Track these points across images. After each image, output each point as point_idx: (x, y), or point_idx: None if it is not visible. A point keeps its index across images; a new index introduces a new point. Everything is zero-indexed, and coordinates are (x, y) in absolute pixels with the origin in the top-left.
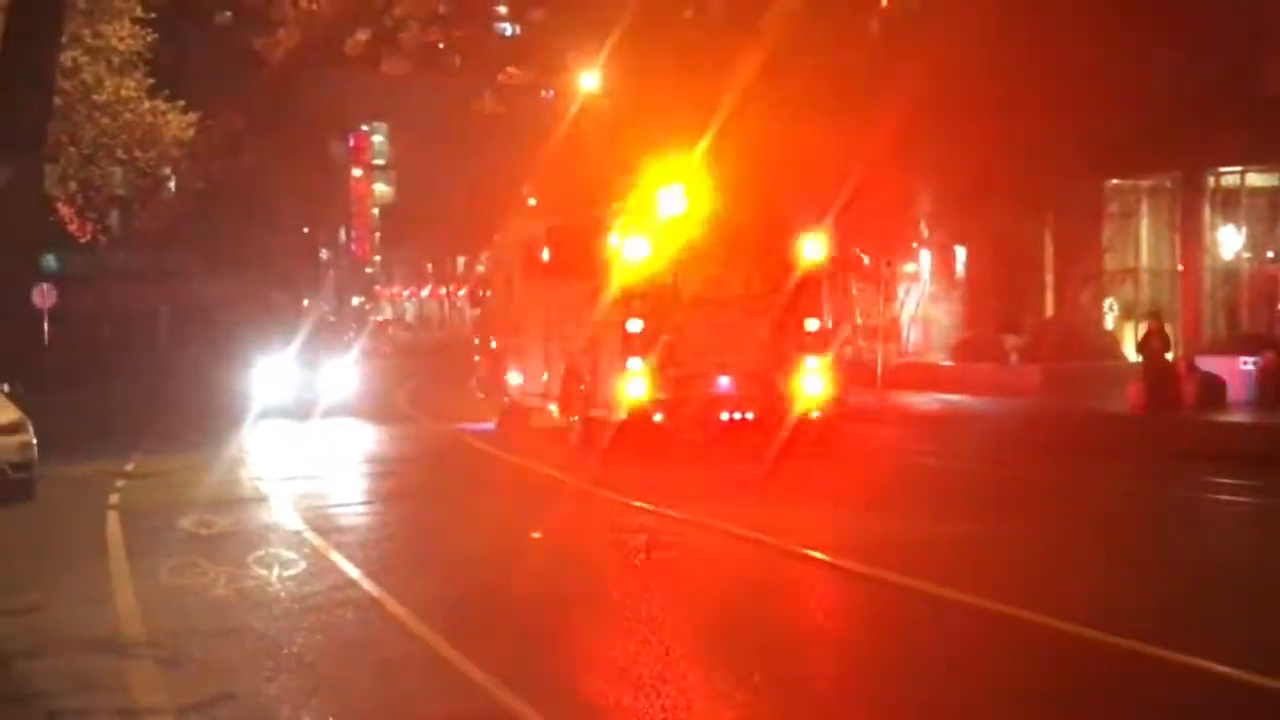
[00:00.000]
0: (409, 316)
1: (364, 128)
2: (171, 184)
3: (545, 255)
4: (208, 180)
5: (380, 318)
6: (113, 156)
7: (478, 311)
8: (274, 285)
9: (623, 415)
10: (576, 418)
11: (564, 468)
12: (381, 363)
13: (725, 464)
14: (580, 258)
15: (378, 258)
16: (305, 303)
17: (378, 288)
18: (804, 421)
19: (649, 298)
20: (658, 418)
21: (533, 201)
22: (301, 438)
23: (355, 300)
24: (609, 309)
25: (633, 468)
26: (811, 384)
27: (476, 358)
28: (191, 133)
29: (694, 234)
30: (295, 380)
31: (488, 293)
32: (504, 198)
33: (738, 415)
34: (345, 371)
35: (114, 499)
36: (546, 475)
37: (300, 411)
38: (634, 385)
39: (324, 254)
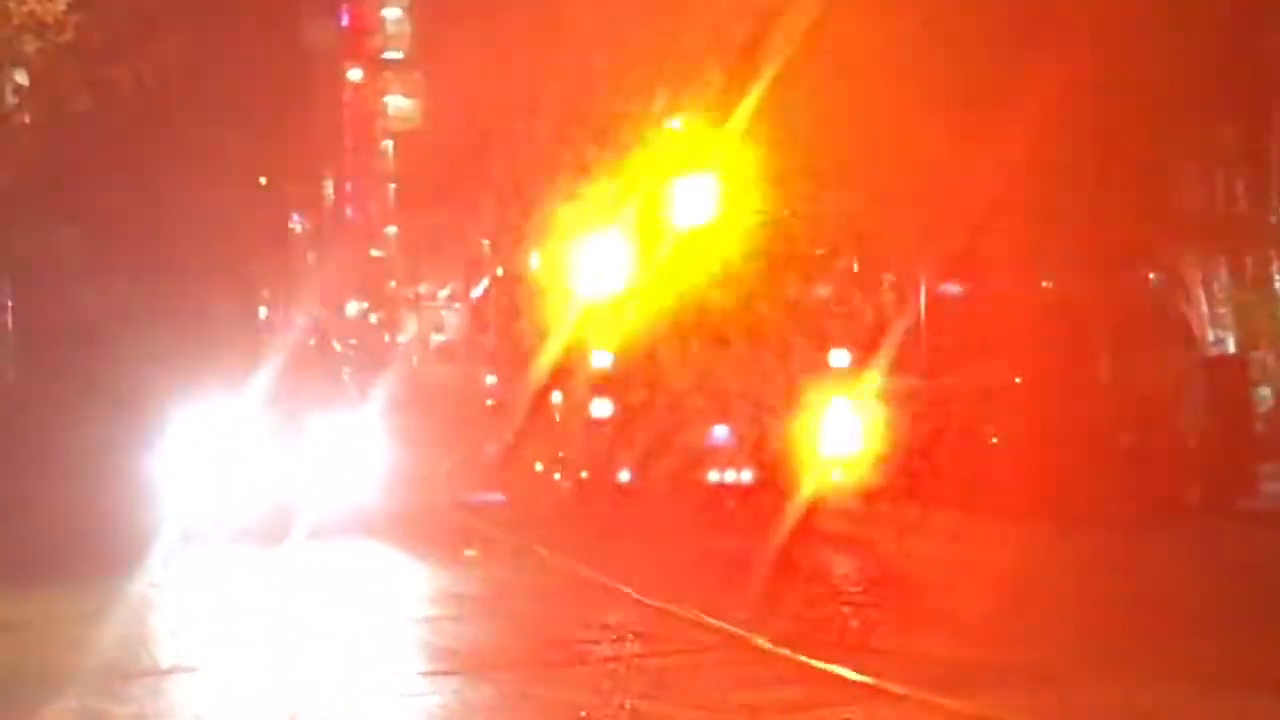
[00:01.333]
0: (445, 335)
1: None
2: (25, 107)
3: (535, 259)
4: (98, 92)
5: (401, 337)
6: None
7: (487, 337)
8: (210, 283)
9: (584, 474)
10: (558, 476)
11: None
12: (412, 421)
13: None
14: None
15: (392, 229)
16: (262, 313)
17: (394, 284)
18: (826, 486)
19: (628, 321)
20: (624, 477)
21: (676, 124)
22: (264, 571)
23: (353, 306)
24: (581, 335)
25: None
26: (835, 435)
27: (489, 401)
28: (61, 6)
29: (719, 247)
30: (254, 460)
31: (492, 311)
32: (623, 117)
33: (731, 475)
34: (351, 442)
35: None
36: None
37: (266, 524)
38: (598, 434)
39: (297, 224)
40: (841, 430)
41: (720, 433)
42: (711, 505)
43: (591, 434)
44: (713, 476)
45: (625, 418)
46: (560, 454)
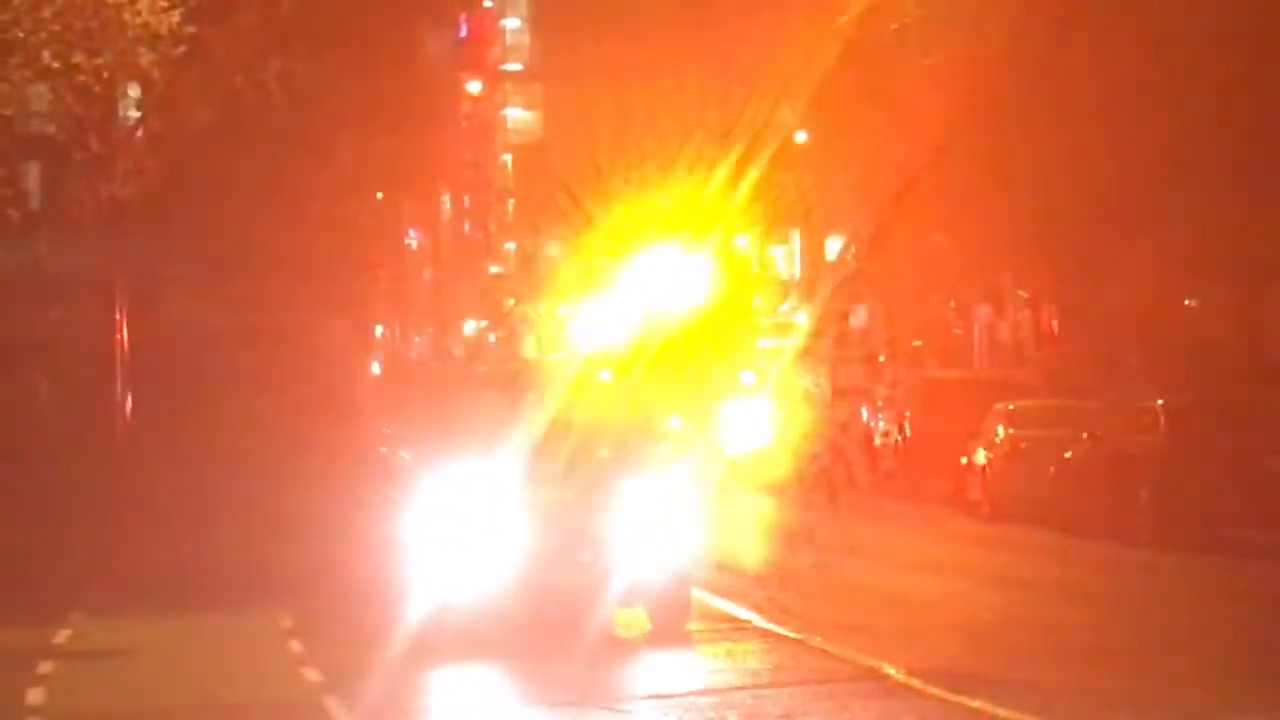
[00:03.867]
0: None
1: (487, 3)
2: (143, 122)
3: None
4: (215, 106)
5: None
6: (34, 61)
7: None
8: (325, 301)
9: None
10: None
11: None
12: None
13: None
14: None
15: (511, 245)
16: (378, 332)
17: (512, 302)
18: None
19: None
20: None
21: (802, 137)
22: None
23: (469, 326)
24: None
25: None
26: (733, 429)
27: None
28: (176, 18)
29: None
30: (525, 530)
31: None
32: (748, 132)
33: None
34: (659, 507)
35: (33, 698)
36: None
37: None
38: None
39: (413, 239)
40: (743, 428)
41: (674, 422)
42: None
43: None
44: None
45: None
46: None
